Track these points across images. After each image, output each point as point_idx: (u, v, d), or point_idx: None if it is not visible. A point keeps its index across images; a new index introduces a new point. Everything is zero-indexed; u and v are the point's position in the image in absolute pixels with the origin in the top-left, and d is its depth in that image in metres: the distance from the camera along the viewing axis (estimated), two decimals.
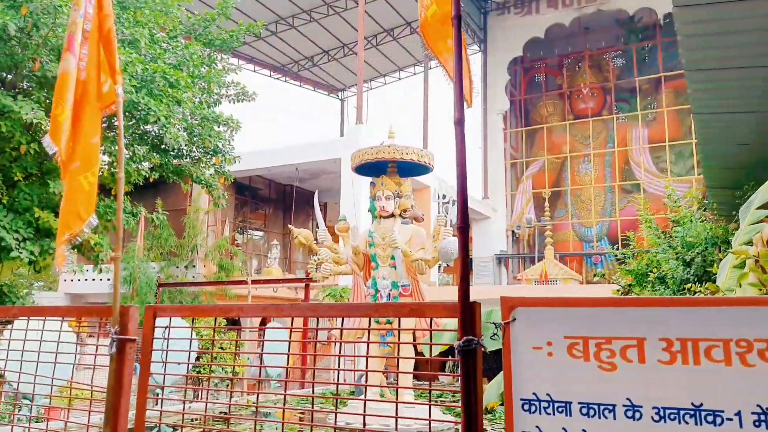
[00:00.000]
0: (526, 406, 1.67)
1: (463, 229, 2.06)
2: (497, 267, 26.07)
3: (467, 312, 1.86)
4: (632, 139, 26.96)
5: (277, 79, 30.73)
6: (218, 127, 13.60)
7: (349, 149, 18.33)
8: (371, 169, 9.06)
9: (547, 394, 1.65)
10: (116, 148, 12.74)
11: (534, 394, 1.67)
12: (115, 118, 2.84)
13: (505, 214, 27.75)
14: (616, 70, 27.93)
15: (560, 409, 1.62)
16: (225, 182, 15.67)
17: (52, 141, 2.31)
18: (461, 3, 2.18)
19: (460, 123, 2.02)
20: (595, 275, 24.36)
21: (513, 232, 27.45)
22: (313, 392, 7.32)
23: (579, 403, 1.59)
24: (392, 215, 8.52)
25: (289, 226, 9.75)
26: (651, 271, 6.05)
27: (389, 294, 8.33)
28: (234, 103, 15.41)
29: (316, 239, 8.79)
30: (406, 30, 27.60)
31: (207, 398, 8.36)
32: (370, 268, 8.63)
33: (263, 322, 22.54)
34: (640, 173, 26.44)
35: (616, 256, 25.50)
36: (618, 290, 8.60)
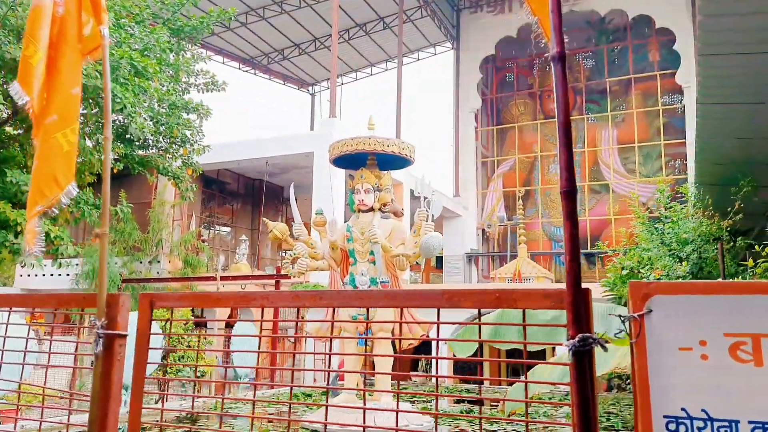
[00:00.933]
0: (673, 426, 1.34)
1: (569, 193, 1.74)
2: (467, 265, 26.00)
3: (579, 302, 1.50)
4: (602, 139, 27.20)
5: (246, 71, 30.10)
6: (187, 114, 13.09)
7: (322, 143, 18.03)
8: (349, 161, 8.77)
9: (703, 410, 1.33)
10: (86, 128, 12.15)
11: (683, 410, 1.33)
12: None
13: (476, 213, 27.71)
14: (587, 71, 28.14)
15: (723, 431, 1.30)
16: (193, 174, 15.16)
17: (22, 88, 1.90)
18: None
19: (560, 59, 1.73)
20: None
21: (483, 230, 27.43)
22: (291, 392, 6.95)
23: (751, 422, 1.26)
24: (371, 209, 8.24)
25: (264, 219, 9.36)
26: (642, 269, 5.90)
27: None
28: (203, 92, 14.90)
29: (291, 234, 8.45)
30: (379, 25, 27.31)
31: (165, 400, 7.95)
32: (348, 263, 8.32)
33: (228, 324, 21.98)
34: (608, 174, 26.69)
35: (593, 254, 25.56)
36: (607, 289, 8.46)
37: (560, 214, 23.25)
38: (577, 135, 27.79)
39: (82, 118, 11.80)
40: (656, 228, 6.16)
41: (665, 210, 6.35)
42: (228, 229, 23.60)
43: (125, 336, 1.62)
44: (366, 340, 8.03)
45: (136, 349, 1.66)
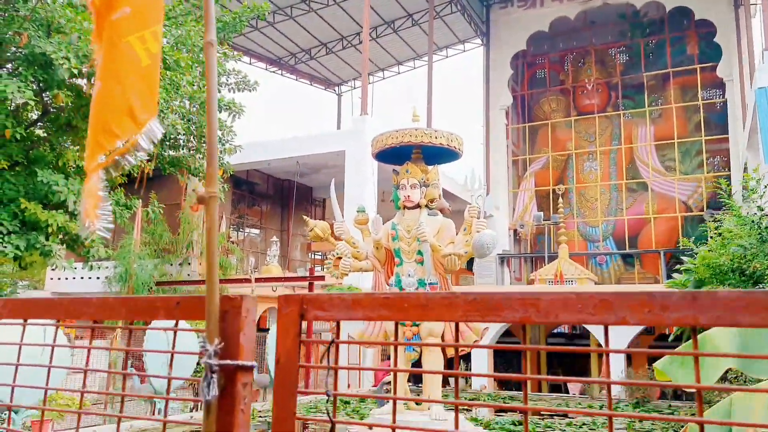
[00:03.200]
0: None
1: None
2: (500, 267, 25.34)
3: None
4: (638, 136, 26.35)
5: (273, 72, 29.85)
6: (219, 112, 12.74)
7: (355, 141, 17.64)
8: (393, 155, 8.31)
9: None
10: None
11: None
12: None
13: (507, 213, 27.04)
14: (622, 66, 27.31)
15: None
16: (224, 174, 14.84)
17: None
18: None
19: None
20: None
21: (515, 231, 26.75)
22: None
23: None
24: (418, 205, 7.77)
25: (305, 217, 8.94)
26: (735, 268, 5.33)
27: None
28: (234, 92, 14.57)
29: (332, 233, 8.02)
30: (407, 22, 26.84)
31: None
32: (393, 264, 7.86)
33: (260, 328, 21.71)
34: (646, 171, 25.84)
35: (630, 255, 24.67)
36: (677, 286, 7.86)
37: (595, 213, 22.71)
38: (612, 131, 27.01)
39: None
40: (752, 221, 5.57)
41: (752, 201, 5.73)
42: (257, 230, 23.30)
43: (251, 369, 1.10)
44: (414, 347, 7.59)
45: (277, 390, 1.12)
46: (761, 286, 5.27)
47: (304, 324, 1.13)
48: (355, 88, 31.01)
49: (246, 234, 23.02)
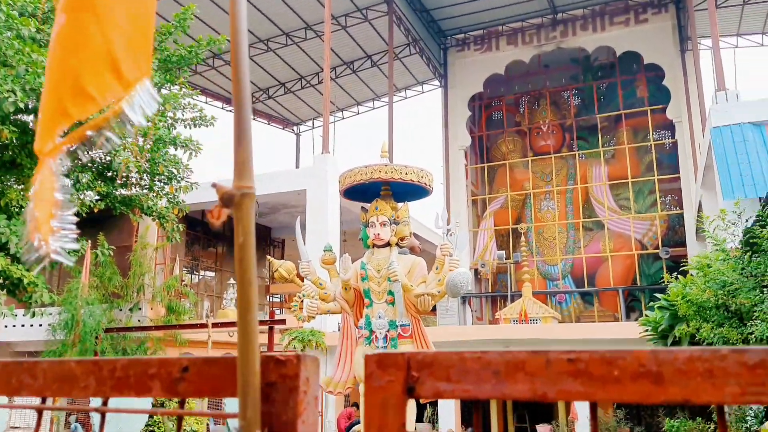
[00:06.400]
0: None
1: None
2: (462, 307, 25.09)
3: None
4: (593, 176, 26.86)
5: (230, 111, 29.42)
6: (175, 150, 12.28)
7: (316, 180, 17.30)
8: (361, 193, 8.02)
9: None
10: None
11: None
12: None
13: (468, 252, 26.95)
14: (575, 108, 28.00)
15: None
16: (178, 214, 14.23)
17: None
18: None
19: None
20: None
21: (476, 270, 26.64)
22: None
23: None
24: (388, 244, 7.45)
25: (269, 258, 8.50)
26: (719, 304, 5.15)
27: (386, 335, 7.15)
28: (190, 128, 14.12)
29: (297, 274, 7.60)
30: (367, 63, 26.99)
31: None
32: (363, 305, 7.47)
33: None
34: (602, 211, 26.25)
35: (590, 293, 24.86)
36: (648, 329, 7.70)
37: (554, 252, 22.82)
38: (567, 171, 27.46)
39: None
40: (735, 257, 5.44)
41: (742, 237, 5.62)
42: (213, 273, 22.46)
43: None
44: None
45: None
46: (747, 323, 5.10)
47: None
48: (314, 127, 30.86)
49: (201, 277, 22.16)
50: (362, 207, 7.79)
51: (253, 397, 0.68)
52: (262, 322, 14.15)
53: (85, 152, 0.81)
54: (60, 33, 0.79)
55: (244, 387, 0.68)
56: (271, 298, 25.19)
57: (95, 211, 12.02)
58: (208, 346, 10.16)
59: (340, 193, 7.98)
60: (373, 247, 7.49)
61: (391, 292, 7.22)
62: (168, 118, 13.52)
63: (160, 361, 0.78)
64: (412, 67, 27.59)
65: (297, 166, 29.92)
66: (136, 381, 0.79)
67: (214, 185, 0.80)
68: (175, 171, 13.14)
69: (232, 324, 13.74)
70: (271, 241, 24.08)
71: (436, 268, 7.50)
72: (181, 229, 14.44)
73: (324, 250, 7.86)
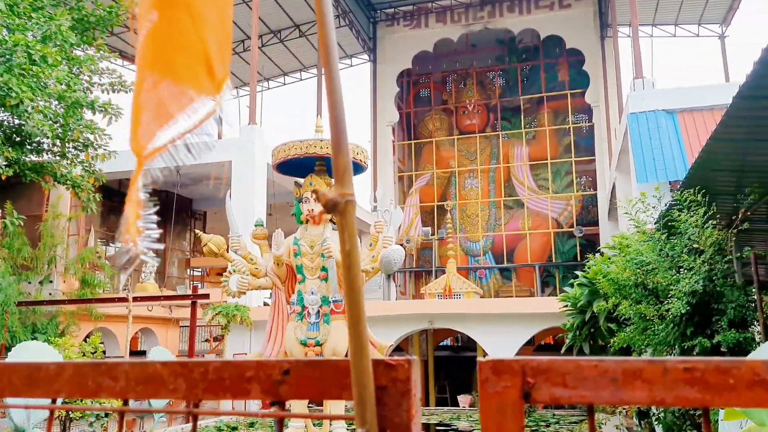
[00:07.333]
0: None
1: None
2: (386, 282, 25.39)
3: None
4: (514, 156, 27.67)
5: None
6: (93, 114, 11.63)
7: (242, 151, 16.84)
8: (294, 167, 7.90)
9: None
10: None
11: None
12: None
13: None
14: (500, 89, 28.62)
15: None
16: (95, 183, 13.52)
17: None
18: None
19: None
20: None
21: (401, 245, 26.97)
22: None
23: None
24: (322, 220, 7.40)
25: (197, 232, 8.25)
26: (638, 282, 5.47)
27: (319, 311, 7.14)
28: (108, 93, 13.37)
29: (227, 249, 7.42)
30: (295, 33, 26.40)
31: None
32: (295, 281, 7.40)
33: (135, 351, 20.07)
34: (522, 190, 27.14)
35: (508, 269, 25.76)
36: (568, 304, 8.06)
37: (476, 228, 23.39)
38: (491, 151, 28.14)
39: None
40: (653, 236, 5.78)
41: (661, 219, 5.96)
42: None
43: None
44: None
45: None
46: (663, 301, 5.46)
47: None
48: (239, 96, 29.94)
49: (117, 248, 21.23)
50: (296, 182, 7.68)
51: (370, 401, 0.66)
52: (184, 297, 13.78)
53: (175, 159, 0.77)
54: (154, 30, 0.74)
55: (360, 392, 0.66)
56: (192, 271, 24.53)
57: (3, 178, 11.23)
58: (128, 321, 9.78)
59: (272, 167, 7.82)
60: (307, 222, 7.43)
61: (324, 268, 7.20)
62: (84, 81, 12.77)
63: (258, 364, 0.74)
64: (341, 39, 27.21)
65: (219, 137, 29.04)
66: (232, 384, 0.74)
67: (314, 191, 0.77)
68: (91, 137, 12.46)
69: (155, 298, 13.32)
70: (192, 213, 23.36)
71: (370, 245, 7.56)
72: (98, 199, 13.73)
73: (255, 225, 7.72)
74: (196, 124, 0.76)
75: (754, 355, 3.68)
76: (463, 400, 16.45)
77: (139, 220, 0.76)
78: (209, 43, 0.76)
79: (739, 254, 4.86)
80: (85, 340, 10.58)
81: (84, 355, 9.91)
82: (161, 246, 0.79)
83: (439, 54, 28.06)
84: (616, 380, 0.64)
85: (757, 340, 4.83)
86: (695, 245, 4.87)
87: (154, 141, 0.75)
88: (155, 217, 0.81)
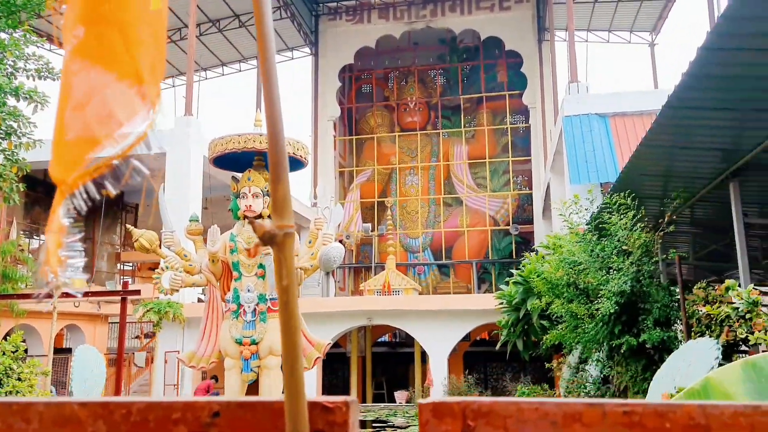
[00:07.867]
0: None
1: None
2: (325, 277, 25.27)
3: None
4: (454, 154, 28.04)
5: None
6: (17, 101, 11.01)
7: (177, 143, 16.33)
8: (231, 161, 7.72)
9: None
10: None
11: None
12: None
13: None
14: (441, 87, 28.93)
15: None
16: (18, 172, 12.81)
17: None
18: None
19: None
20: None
21: (341, 241, 26.91)
22: None
23: None
24: (260, 216, 7.26)
25: (129, 227, 7.94)
26: (570, 282, 5.63)
27: (255, 309, 7.01)
28: (35, 79, 12.68)
29: (161, 245, 7.17)
30: (235, 23, 25.82)
31: None
32: (231, 278, 7.24)
33: (57, 350, 19.17)
34: (461, 188, 27.54)
35: (446, 265, 26.10)
36: (503, 301, 8.23)
37: (416, 225, 23.60)
38: (431, 149, 28.42)
39: None
40: (585, 238, 5.96)
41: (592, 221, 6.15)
42: None
43: None
44: (251, 367, 7.03)
45: None
46: (594, 300, 5.64)
47: None
48: (174, 86, 29.04)
49: (41, 242, 20.23)
50: (233, 176, 7.52)
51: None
52: (114, 293, 13.27)
53: (115, 183, 0.72)
54: (79, 47, 0.68)
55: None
56: (122, 266, 23.66)
57: None
58: (53, 318, 9.34)
59: (209, 160, 7.61)
60: (244, 218, 7.27)
61: (261, 265, 7.08)
62: (8, 66, 12.07)
63: (186, 405, 0.68)
64: (282, 31, 26.82)
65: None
66: (157, 426, 0.68)
67: (251, 223, 0.71)
68: (15, 125, 11.80)
69: (84, 295, 12.77)
70: (123, 205, 22.54)
71: (309, 242, 7.49)
72: (21, 190, 13.02)
73: (190, 220, 7.51)
74: (125, 149, 0.71)
75: (676, 355, 3.86)
76: (400, 396, 16.58)
77: (61, 248, 0.70)
78: (141, 63, 0.71)
79: (664, 256, 5.09)
80: (5, 339, 10.02)
81: (4, 354, 9.38)
82: (84, 276, 0.74)
83: (382, 50, 28.09)
84: (556, 423, 0.63)
85: (680, 338, 5.07)
86: (624, 247, 5.08)
87: (78, 170, 0.70)
88: (80, 245, 0.75)
